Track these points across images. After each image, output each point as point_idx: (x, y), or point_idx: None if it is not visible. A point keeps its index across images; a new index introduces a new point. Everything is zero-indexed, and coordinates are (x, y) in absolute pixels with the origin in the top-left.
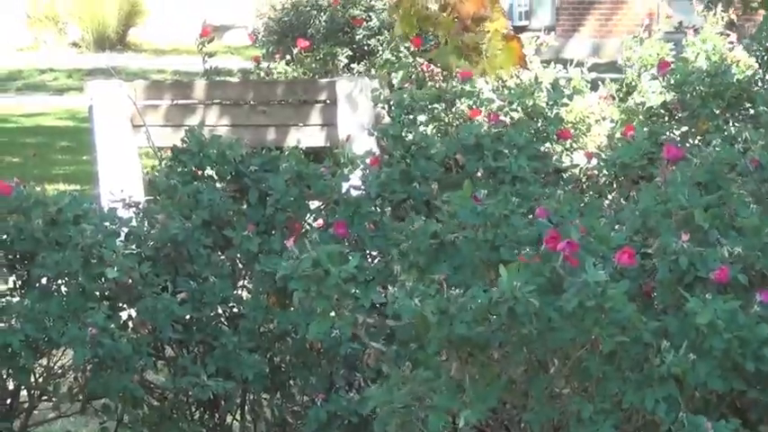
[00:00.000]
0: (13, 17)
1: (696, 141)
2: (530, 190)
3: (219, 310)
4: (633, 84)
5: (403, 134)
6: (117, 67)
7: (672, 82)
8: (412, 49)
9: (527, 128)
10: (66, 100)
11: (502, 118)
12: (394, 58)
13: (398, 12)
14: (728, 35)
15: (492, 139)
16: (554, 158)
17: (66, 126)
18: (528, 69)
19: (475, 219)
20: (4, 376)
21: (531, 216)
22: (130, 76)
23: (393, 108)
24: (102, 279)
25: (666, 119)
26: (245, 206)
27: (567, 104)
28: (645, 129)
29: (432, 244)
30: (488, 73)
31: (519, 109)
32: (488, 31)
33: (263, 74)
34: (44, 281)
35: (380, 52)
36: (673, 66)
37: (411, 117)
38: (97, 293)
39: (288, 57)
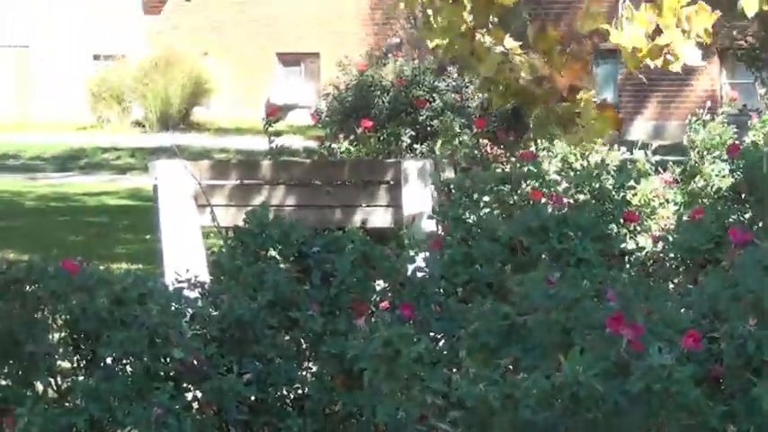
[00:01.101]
0: (77, 96)
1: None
2: (595, 272)
3: (284, 392)
4: (697, 166)
5: (464, 216)
6: (180, 146)
7: (740, 165)
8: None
9: (592, 210)
10: (129, 179)
11: (567, 200)
12: (458, 140)
13: (491, 86)
14: None
15: (557, 221)
16: (619, 241)
17: (129, 205)
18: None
19: (547, 301)
20: None
21: (597, 299)
22: (194, 155)
23: (454, 190)
24: (168, 359)
25: (733, 202)
26: (309, 287)
27: (633, 187)
28: (712, 212)
29: (502, 325)
30: (586, 142)
31: (585, 191)
32: (582, 101)
33: (327, 154)
34: (109, 360)
35: (444, 133)
36: (741, 149)
37: (473, 199)
38: (162, 374)
39: (352, 137)
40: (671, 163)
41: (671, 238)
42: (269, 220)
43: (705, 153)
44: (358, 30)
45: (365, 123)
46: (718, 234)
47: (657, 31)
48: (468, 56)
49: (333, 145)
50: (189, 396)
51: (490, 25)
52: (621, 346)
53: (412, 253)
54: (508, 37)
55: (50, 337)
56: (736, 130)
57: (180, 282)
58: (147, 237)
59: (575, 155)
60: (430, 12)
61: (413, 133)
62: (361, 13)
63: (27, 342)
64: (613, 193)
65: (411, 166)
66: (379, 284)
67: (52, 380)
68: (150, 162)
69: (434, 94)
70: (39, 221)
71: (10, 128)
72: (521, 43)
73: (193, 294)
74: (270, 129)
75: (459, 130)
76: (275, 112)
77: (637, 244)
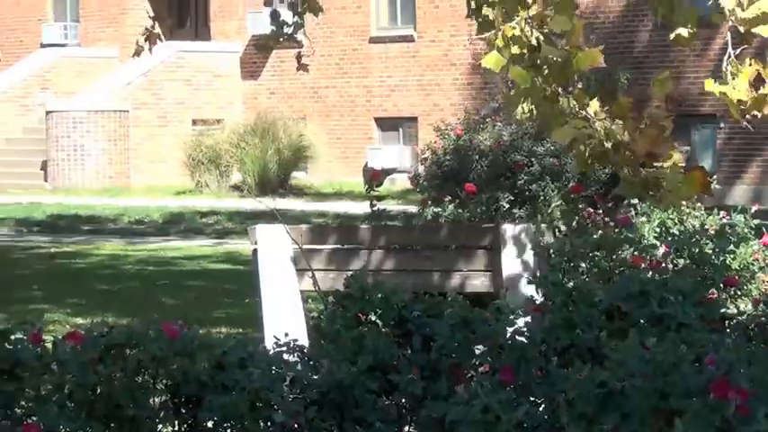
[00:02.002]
0: (176, 161)
1: None
2: (696, 337)
3: None
4: None
5: (564, 281)
6: (279, 210)
7: None
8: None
9: (693, 275)
10: (227, 243)
11: (666, 265)
12: (559, 205)
13: (573, 152)
14: None
15: (657, 286)
16: (720, 305)
17: (228, 269)
18: (711, 195)
19: (644, 367)
20: None
21: (698, 364)
22: (292, 219)
23: (554, 255)
24: (269, 423)
25: None
26: (409, 351)
27: (733, 252)
28: None
29: (599, 393)
30: (672, 206)
31: (684, 255)
32: (666, 166)
33: (426, 218)
34: (210, 424)
35: (542, 197)
36: None
37: (572, 264)
38: None
39: (449, 199)
40: None
41: None
42: (370, 285)
43: None
44: (455, 94)
45: (468, 188)
46: None
47: (760, 79)
48: (548, 122)
49: (432, 209)
50: None
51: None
52: (727, 411)
53: (511, 317)
54: (594, 101)
55: (152, 401)
56: None
57: (280, 346)
58: (247, 300)
59: (672, 220)
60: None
61: (511, 197)
62: (459, 77)
63: (128, 406)
64: (713, 257)
65: (510, 230)
66: (479, 349)
67: None
68: (249, 226)
69: (532, 159)
70: (138, 285)
71: (110, 192)
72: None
73: (293, 358)
74: (371, 193)
75: (557, 195)
76: (377, 177)
77: (737, 308)
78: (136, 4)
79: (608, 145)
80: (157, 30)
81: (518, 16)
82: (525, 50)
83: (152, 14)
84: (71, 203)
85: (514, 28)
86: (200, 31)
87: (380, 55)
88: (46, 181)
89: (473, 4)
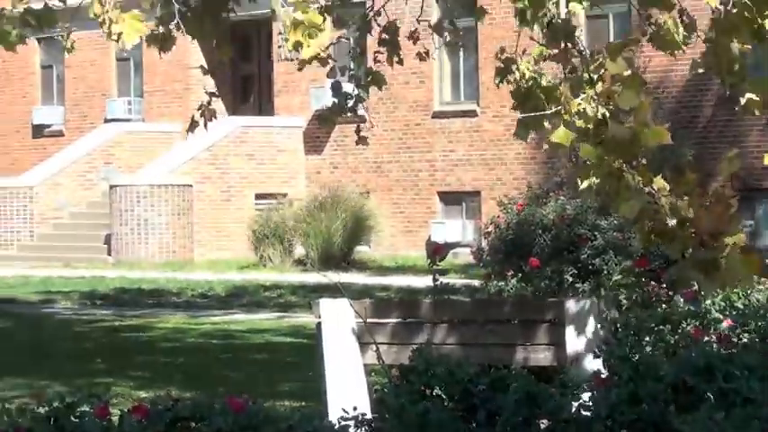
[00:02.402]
0: (239, 235)
1: None
2: (762, 412)
3: None
4: None
5: (629, 355)
6: (342, 283)
7: None
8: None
9: (758, 349)
10: (291, 316)
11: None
12: (623, 279)
13: (637, 227)
14: None
15: (723, 360)
16: None
17: (292, 342)
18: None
19: None
20: None
21: None
22: (356, 293)
23: (620, 329)
24: None
25: None
26: (474, 425)
27: None
28: None
29: None
30: (728, 287)
31: (750, 329)
32: (727, 245)
33: (489, 292)
34: None
35: (607, 272)
36: None
37: (637, 338)
38: None
39: (512, 273)
40: None
41: None
42: (434, 359)
43: None
44: (518, 168)
45: (532, 262)
46: None
47: None
48: (614, 197)
49: (495, 283)
50: None
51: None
52: None
53: (576, 391)
54: (659, 178)
55: None
56: None
57: (345, 420)
58: (310, 374)
59: (737, 293)
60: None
61: (574, 271)
62: (521, 152)
63: None
64: None
65: (574, 305)
66: (544, 423)
67: None
68: (312, 300)
69: (596, 233)
70: (202, 359)
71: (173, 266)
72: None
73: None
74: (434, 267)
75: (621, 269)
76: (439, 251)
77: None
78: (200, 80)
79: (672, 222)
80: (214, 105)
81: (584, 93)
82: (591, 126)
83: (211, 90)
84: (134, 277)
85: (581, 104)
86: (264, 107)
87: (443, 129)
88: (109, 255)
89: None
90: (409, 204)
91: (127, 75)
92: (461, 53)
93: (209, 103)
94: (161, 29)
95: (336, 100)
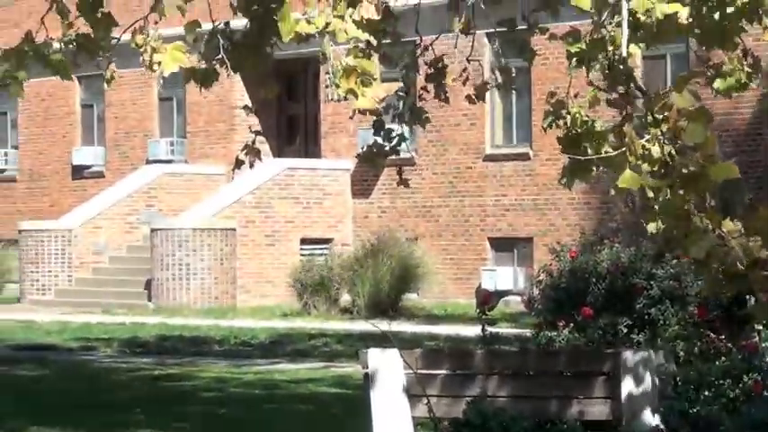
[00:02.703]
0: (283, 281)
1: None
2: None
3: None
4: None
5: (689, 410)
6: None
7: None
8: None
9: None
10: (337, 366)
11: None
12: (680, 330)
13: (706, 272)
14: None
15: None
16: None
17: (337, 393)
18: None
19: None
20: None
21: None
22: (404, 342)
23: (678, 383)
24: None
25: None
26: None
27: None
28: None
29: None
30: None
31: None
32: None
33: (541, 343)
34: None
35: (663, 322)
36: None
37: (696, 392)
38: None
39: (564, 323)
40: None
41: None
42: (489, 412)
43: None
44: (572, 214)
45: (586, 312)
46: None
47: None
48: (682, 239)
49: (547, 333)
50: None
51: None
52: None
53: None
54: (727, 220)
55: None
56: None
57: None
58: (357, 425)
59: None
60: (649, 194)
61: (629, 322)
62: (575, 197)
63: None
64: None
65: (631, 357)
66: None
67: None
68: (360, 349)
69: (652, 282)
70: (244, 410)
71: (215, 313)
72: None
73: None
74: (483, 316)
75: (678, 320)
76: (489, 299)
77: None
78: (245, 120)
79: (745, 264)
80: (259, 146)
81: (648, 133)
82: (657, 167)
83: (256, 129)
84: (175, 324)
85: (645, 145)
86: (311, 148)
87: (495, 173)
88: (150, 300)
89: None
90: (459, 250)
91: (169, 114)
92: (513, 94)
93: (254, 142)
94: (204, 64)
95: (379, 138)
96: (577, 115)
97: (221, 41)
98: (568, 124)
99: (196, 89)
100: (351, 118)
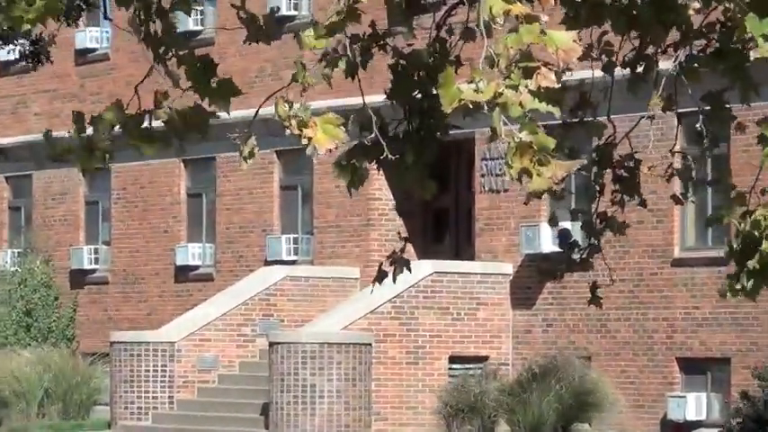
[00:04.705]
0: (427, 408)
1: None
2: None
3: None
4: None
5: None
6: None
7: None
8: None
9: None
10: None
11: None
12: None
13: None
14: None
15: None
16: None
17: None
18: None
19: None
20: None
21: None
22: None
23: None
24: None
25: None
26: None
27: None
28: None
29: None
30: None
31: None
32: None
33: None
34: None
35: None
36: None
37: None
38: None
39: None
40: None
41: None
42: None
43: None
44: None
45: None
46: None
47: None
48: None
49: None
50: None
51: None
52: None
53: None
54: None
55: None
56: None
57: None
58: None
59: None
60: None
61: None
62: None
63: None
64: None
65: None
66: None
67: None
68: None
69: None
70: None
71: None
72: None
73: None
74: None
75: None
76: None
77: None
78: (383, 215)
79: None
80: (407, 253)
81: None
82: None
83: (404, 234)
84: None
85: None
86: (462, 249)
87: (686, 281)
88: (267, 429)
89: None
90: (641, 373)
91: (293, 206)
92: (708, 188)
93: (403, 250)
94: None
95: (563, 250)
96: (762, 218)
97: (375, 124)
98: (746, 226)
99: (324, 175)
100: (526, 203)
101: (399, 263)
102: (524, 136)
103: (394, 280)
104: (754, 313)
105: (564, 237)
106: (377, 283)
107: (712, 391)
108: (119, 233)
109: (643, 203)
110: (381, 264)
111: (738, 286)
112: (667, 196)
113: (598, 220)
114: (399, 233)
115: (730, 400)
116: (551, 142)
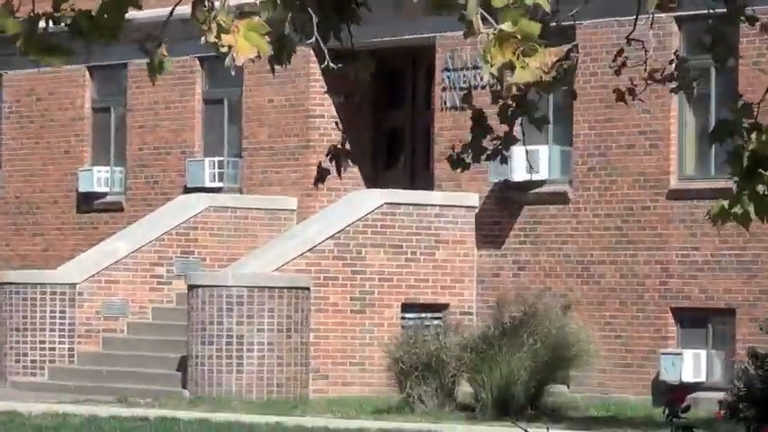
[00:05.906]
0: (376, 365)
1: None
2: None
3: None
4: None
5: None
6: None
7: None
8: None
9: None
10: None
11: None
12: None
13: None
14: None
15: None
16: None
17: None
18: None
19: None
20: None
21: None
22: None
23: None
24: None
25: None
26: None
27: None
28: None
29: None
30: None
31: None
32: None
33: None
34: None
35: None
36: None
37: None
38: None
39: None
40: None
41: None
42: None
43: None
44: None
45: None
46: None
47: None
48: None
49: None
50: None
51: None
52: None
53: None
54: None
55: None
56: None
57: None
58: None
59: None
60: None
61: None
62: None
63: None
64: None
65: None
66: None
67: None
68: None
69: None
70: None
71: (278, 408)
72: None
73: None
74: (674, 421)
75: None
76: (681, 399)
77: None
78: (325, 135)
79: None
80: (353, 180)
81: None
82: None
83: (341, 128)
84: (220, 421)
85: None
86: (418, 176)
87: (683, 217)
88: (185, 387)
89: None
90: (629, 326)
91: (218, 124)
92: (712, 106)
93: (343, 144)
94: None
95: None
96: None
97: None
98: (751, 144)
99: (256, 89)
100: (503, 99)
101: (342, 156)
102: (506, 27)
103: (339, 174)
104: (763, 256)
105: (479, 119)
106: (321, 184)
107: (713, 348)
108: (10, 153)
109: (573, 95)
110: (320, 162)
111: (738, 210)
112: (663, 116)
113: (514, 104)
114: (337, 123)
115: (735, 358)
116: (537, 28)
